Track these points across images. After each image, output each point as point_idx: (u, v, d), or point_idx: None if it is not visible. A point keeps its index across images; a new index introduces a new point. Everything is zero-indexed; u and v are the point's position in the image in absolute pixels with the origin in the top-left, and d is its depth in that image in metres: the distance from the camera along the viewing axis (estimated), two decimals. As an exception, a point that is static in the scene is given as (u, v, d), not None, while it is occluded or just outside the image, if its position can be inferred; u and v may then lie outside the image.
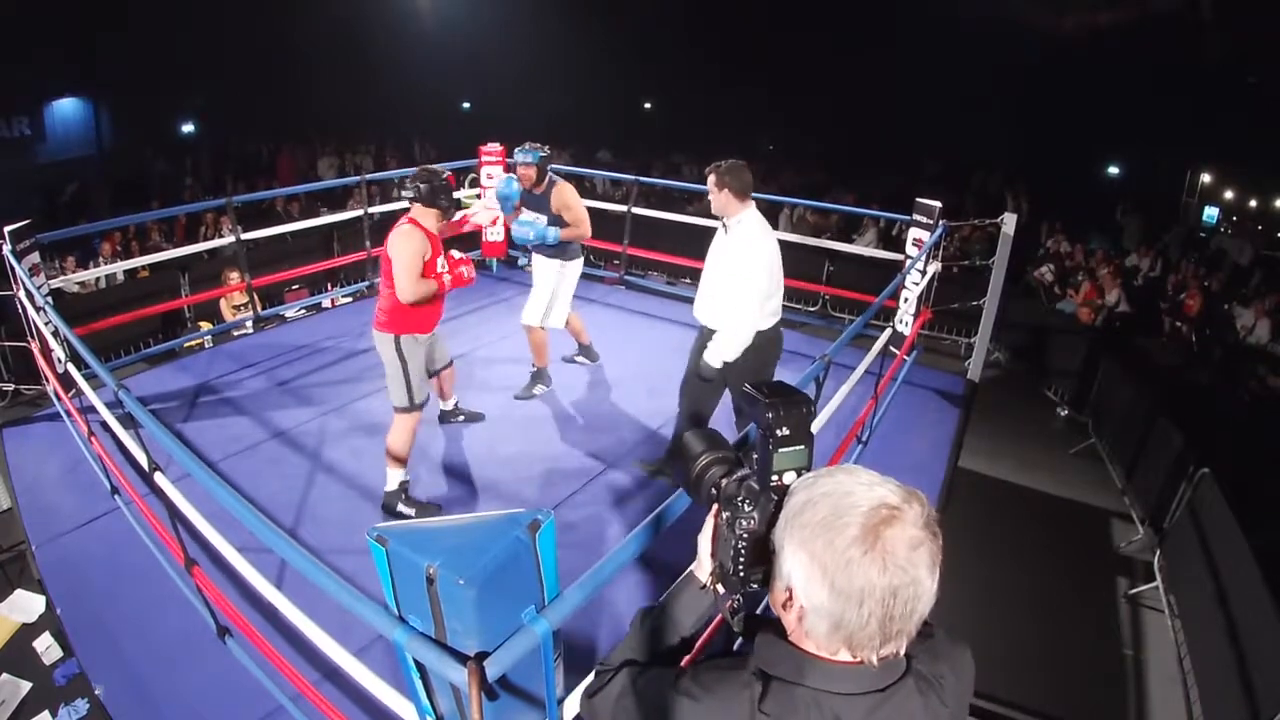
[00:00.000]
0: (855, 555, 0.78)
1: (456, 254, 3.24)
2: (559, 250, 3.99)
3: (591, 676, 1.12)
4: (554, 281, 4.06)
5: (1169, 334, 7.61)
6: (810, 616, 0.83)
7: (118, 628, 2.66)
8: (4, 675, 2.65)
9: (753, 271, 2.90)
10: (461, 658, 1.24)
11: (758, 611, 1.03)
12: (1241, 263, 9.29)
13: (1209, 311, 7.70)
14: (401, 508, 3.21)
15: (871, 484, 0.83)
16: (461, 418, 3.95)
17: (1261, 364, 6.84)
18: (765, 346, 3.09)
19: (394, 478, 3.22)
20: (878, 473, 0.85)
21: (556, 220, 3.91)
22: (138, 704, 2.39)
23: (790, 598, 0.86)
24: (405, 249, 3.03)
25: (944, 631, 0.95)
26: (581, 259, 4.15)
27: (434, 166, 3.23)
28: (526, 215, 3.89)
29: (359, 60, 13.91)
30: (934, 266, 4.65)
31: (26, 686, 2.62)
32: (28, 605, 2.90)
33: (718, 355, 2.99)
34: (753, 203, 2.98)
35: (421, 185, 3.10)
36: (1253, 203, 12.29)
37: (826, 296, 8.00)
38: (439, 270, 3.14)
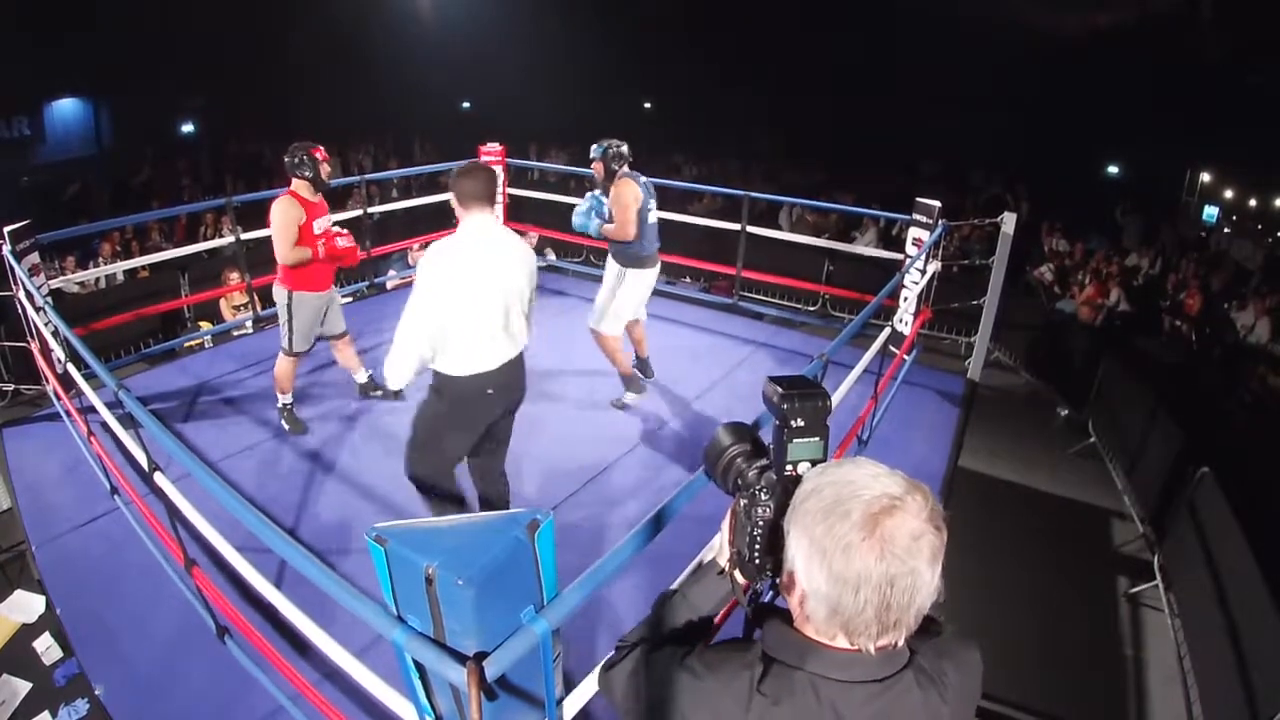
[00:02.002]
0: (854, 541, 0.81)
1: (336, 230, 3.74)
2: (618, 254, 3.89)
3: (611, 652, 1.16)
4: (612, 284, 3.93)
5: (1169, 334, 7.60)
6: (810, 600, 0.86)
7: (118, 628, 2.66)
8: (4, 675, 2.64)
9: (415, 290, 2.39)
10: (460, 658, 1.24)
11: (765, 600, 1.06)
12: (1251, 267, 9.19)
13: (1209, 311, 7.69)
14: (283, 421, 3.87)
15: (877, 475, 0.85)
16: (379, 393, 4.14)
17: (1261, 364, 6.83)
18: (456, 400, 2.52)
19: (280, 399, 3.87)
20: (886, 466, 0.87)
21: (611, 217, 3.82)
22: (138, 704, 2.39)
23: (793, 581, 0.88)
24: (277, 216, 3.50)
25: (953, 630, 0.96)
26: (647, 270, 3.91)
27: (302, 143, 3.60)
28: (584, 204, 3.86)
29: (359, 60, 13.91)
30: (934, 266, 4.65)
31: (26, 686, 2.62)
32: (28, 605, 2.90)
33: (384, 373, 2.52)
34: (482, 212, 2.47)
35: (286, 160, 3.58)
36: (1252, 202, 12.29)
37: (826, 296, 8.00)
38: (316, 233, 3.60)
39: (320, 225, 3.64)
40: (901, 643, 0.87)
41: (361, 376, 4.16)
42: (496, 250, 2.46)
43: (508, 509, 2.79)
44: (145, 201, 10.15)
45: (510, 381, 2.59)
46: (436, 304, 2.38)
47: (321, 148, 3.64)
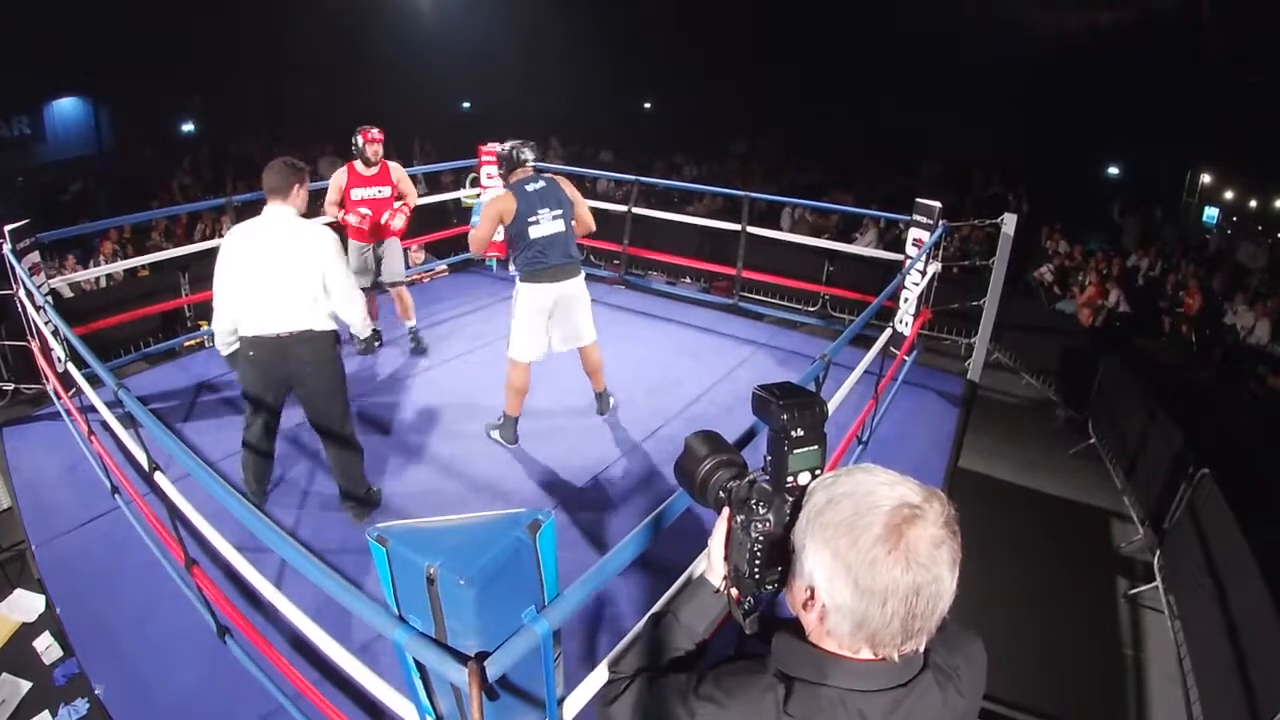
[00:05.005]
0: (879, 554, 0.79)
1: (363, 199, 4.44)
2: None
3: (605, 684, 1.12)
4: (512, 299, 3.62)
5: (1169, 334, 7.60)
6: (833, 616, 0.84)
7: (117, 627, 2.66)
8: (4, 675, 2.64)
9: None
10: (462, 658, 1.24)
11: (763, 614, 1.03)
12: (1255, 268, 9.15)
13: (1209, 311, 7.69)
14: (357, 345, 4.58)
15: (892, 483, 0.83)
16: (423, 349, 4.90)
17: (1261, 364, 6.84)
18: (242, 359, 2.97)
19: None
20: (896, 472, 0.86)
21: None
22: (138, 704, 2.38)
23: (812, 597, 0.86)
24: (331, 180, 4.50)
25: (955, 623, 0.95)
26: (536, 285, 3.49)
27: (361, 126, 4.43)
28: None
29: (359, 60, 13.91)
30: (934, 267, 4.65)
31: (26, 686, 2.62)
32: (28, 605, 2.90)
33: None
34: (273, 203, 2.83)
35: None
36: (1253, 203, 12.29)
37: (826, 297, 7.99)
38: (353, 199, 4.42)
39: (357, 194, 4.42)
40: (922, 647, 0.86)
41: (411, 322, 4.94)
42: (270, 237, 2.81)
43: (353, 501, 3.18)
44: (145, 200, 10.13)
45: (278, 354, 2.88)
46: (217, 273, 2.85)
47: (372, 129, 4.40)
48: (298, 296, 2.82)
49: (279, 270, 2.79)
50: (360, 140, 4.38)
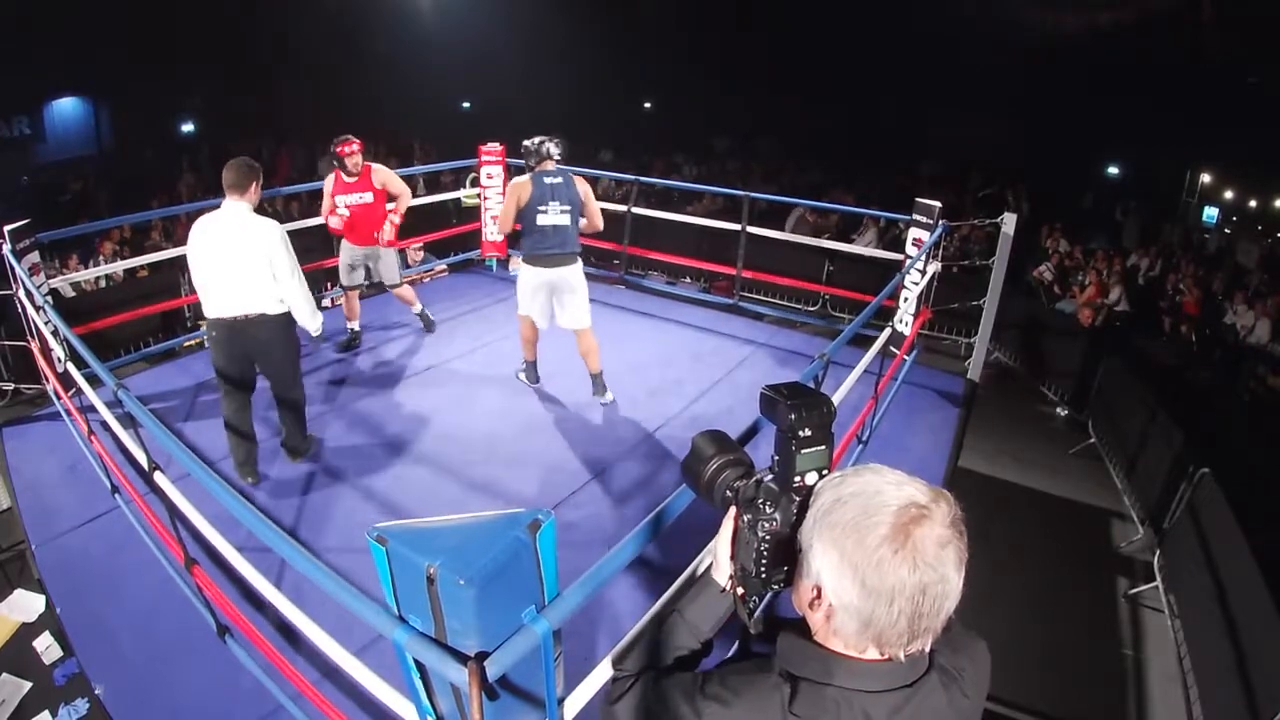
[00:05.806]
0: (886, 554, 0.79)
1: (345, 205, 4.53)
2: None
3: (609, 682, 1.13)
4: None
5: (1169, 334, 7.60)
6: (839, 615, 0.84)
7: (118, 627, 2.66)
8: (4, 675, 2.65)
9: None
10: (462, 657, 1.24)
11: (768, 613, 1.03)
12: (1249, 266, 9.17)
13: (1209, 311, 7.70)
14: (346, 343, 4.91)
15: (900, 483, 0.83)
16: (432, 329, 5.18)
17: (1261, 364, 6.84)
18: (207, 339, 3.31)
19: (348, 325, 4.95)
20: (903, 472, 0.86)
21: None
22: (138, 704, 2.38)
23: (819, 596, 0.86)
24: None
25: (960, 624, 0.95)
26: (531, 268, 3.87)
27: (339, 138, 4.53)
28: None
29: (359, 60, 13.90)
30: (934, 266, 4.65)
31: (26, 686, 2.62)
32: (28, 605, 2.90)
33: None
34: (229, 198, 3.13)
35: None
36: (1252, 203, 12.29)
37: (826, 296, 8.00)
38: (336, 204, 4.53)
39: (341, 200, 4.54)
40: (928, 647, 0.86)
41: (417, 308, 5.13)
42: (223, 229, 3.09)
43: (290, 448, 3.56)
44: (145, 200, 10.13)
45: (235, 334, 3.18)
46: (192, 266, 3.14)
47: (351, 142, 4.50)
48: (248, 283, 3.11)
49: (231, 259, 3.07)
50: (339, 153, 4.50)
